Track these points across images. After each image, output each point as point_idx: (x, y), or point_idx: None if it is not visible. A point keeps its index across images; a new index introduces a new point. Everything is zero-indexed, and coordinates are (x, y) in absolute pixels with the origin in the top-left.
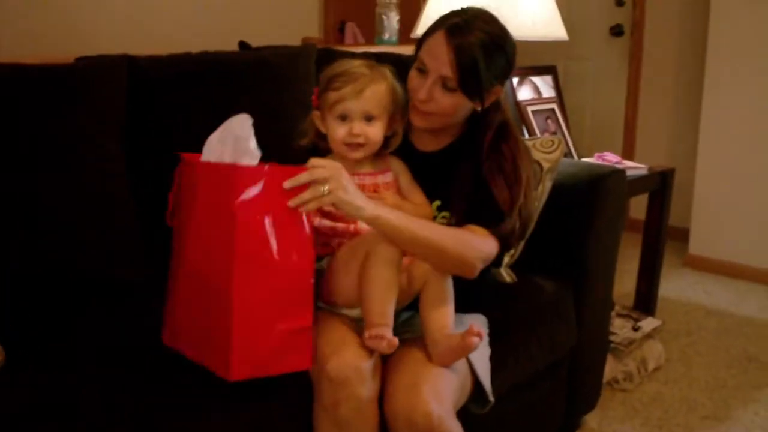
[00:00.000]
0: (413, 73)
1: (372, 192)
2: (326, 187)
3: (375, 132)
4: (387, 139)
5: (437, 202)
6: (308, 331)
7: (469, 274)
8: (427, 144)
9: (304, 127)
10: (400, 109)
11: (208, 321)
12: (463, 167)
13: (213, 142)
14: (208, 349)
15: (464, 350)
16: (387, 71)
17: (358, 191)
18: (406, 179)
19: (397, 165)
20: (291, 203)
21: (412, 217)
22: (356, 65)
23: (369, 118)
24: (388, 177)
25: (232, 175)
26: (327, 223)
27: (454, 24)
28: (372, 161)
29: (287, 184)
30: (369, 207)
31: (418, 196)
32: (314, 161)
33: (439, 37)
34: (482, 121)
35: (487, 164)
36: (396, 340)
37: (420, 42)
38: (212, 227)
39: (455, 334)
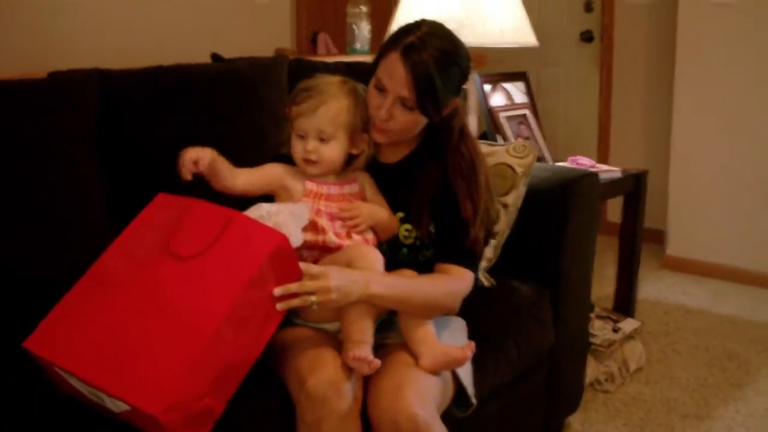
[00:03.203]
0: (373, 92)
1: (341, 201)
2: (313, 298)
3: (329, 151)
4: (352, 157)
5: (400, 214)
6: (213, 420)
7: (451, 314)
8: (386, 156)
9: (284, 136)
10: (364, 128)
11: (153, 347)
12: (428, 172)
13: (263, 207)
14: (131, 373)
15: (460, 362)
16: (356, 89)
17: (345, 279)
18: (371, 190)
19: (362, 176)
20: (279, 307)
21: (401, 281)
22: (322, 81)
23: (323, 137)
24: (354, 188)
25: (282, 243)
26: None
27: (409, 44)
28: (337, 172)
29: (278, 291)
30: (359, 291)
31: (383, 207)
32: (304, 269)
33: (395, 59)
34: (442, 128)
35: (450, 170)
36: (378, 362)
37: (377, 59)
38: (213, 268)
39: (453, 346)
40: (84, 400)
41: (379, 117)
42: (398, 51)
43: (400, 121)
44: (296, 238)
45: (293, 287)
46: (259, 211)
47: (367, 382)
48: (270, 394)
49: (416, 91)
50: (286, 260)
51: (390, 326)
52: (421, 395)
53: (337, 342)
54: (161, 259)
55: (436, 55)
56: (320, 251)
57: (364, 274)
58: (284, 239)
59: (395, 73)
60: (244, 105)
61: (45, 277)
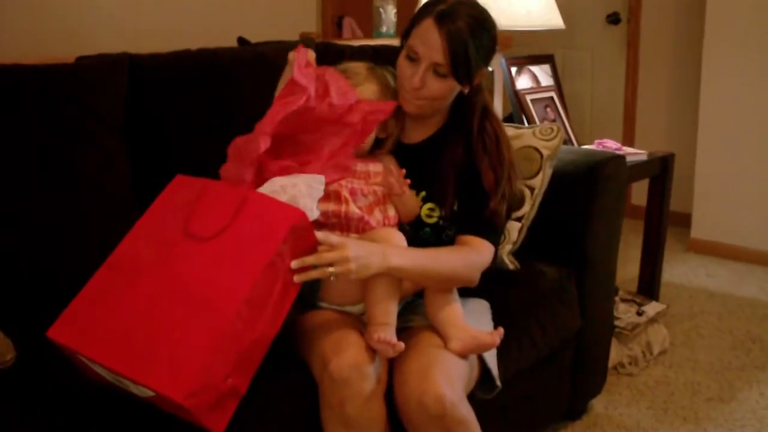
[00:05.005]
0: (404, 62)
1: (366, 178)
2: (332, 269)
3: None
4: (380, 141)
5: (423, 193)
6: (238, 399)
7: (471, 286)
8: (411, 136)
9: None
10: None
11: (175, 333)
12: (452, 150)
13: (277, 181)
14: (154, 359)
15: (488, 347)
16: (386, 74)
17: (364, 250)
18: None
19: (385, 158)
20: (297, 279)
21: (419, 253)
22: (354, 65)
23: None
24: (378, 167)
25: (301, 219)
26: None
27: (442, 11)
28: (364, 154)
29: (294, 264)
30: (379, 263)
31: None
32: (322, 238)
33: (429, 25)
34: (466, 105)
35: (474, 145)
36: (402, 345)
37: (408, 30)
38: (231, 248)
39: (482, 331)
40: (110, 386)
41: (412, 85)
42: (432, 18)
43: (432, 89)
44: (312, 212)
45: (310, 259)
46: (272, 186)
47: (393, 364)
48: (294, 376)
49: (451, 56)
50: (304, 235)
51: (413, 309)
52: (448, 377)
53: (361, 324)
54: (180, 241)
55: (470, 21)
56: (342, 222)
57: (382, 246)
58: (302, 215)
59: (430, 40)
60: (270, 89)
61: (70, 259)
